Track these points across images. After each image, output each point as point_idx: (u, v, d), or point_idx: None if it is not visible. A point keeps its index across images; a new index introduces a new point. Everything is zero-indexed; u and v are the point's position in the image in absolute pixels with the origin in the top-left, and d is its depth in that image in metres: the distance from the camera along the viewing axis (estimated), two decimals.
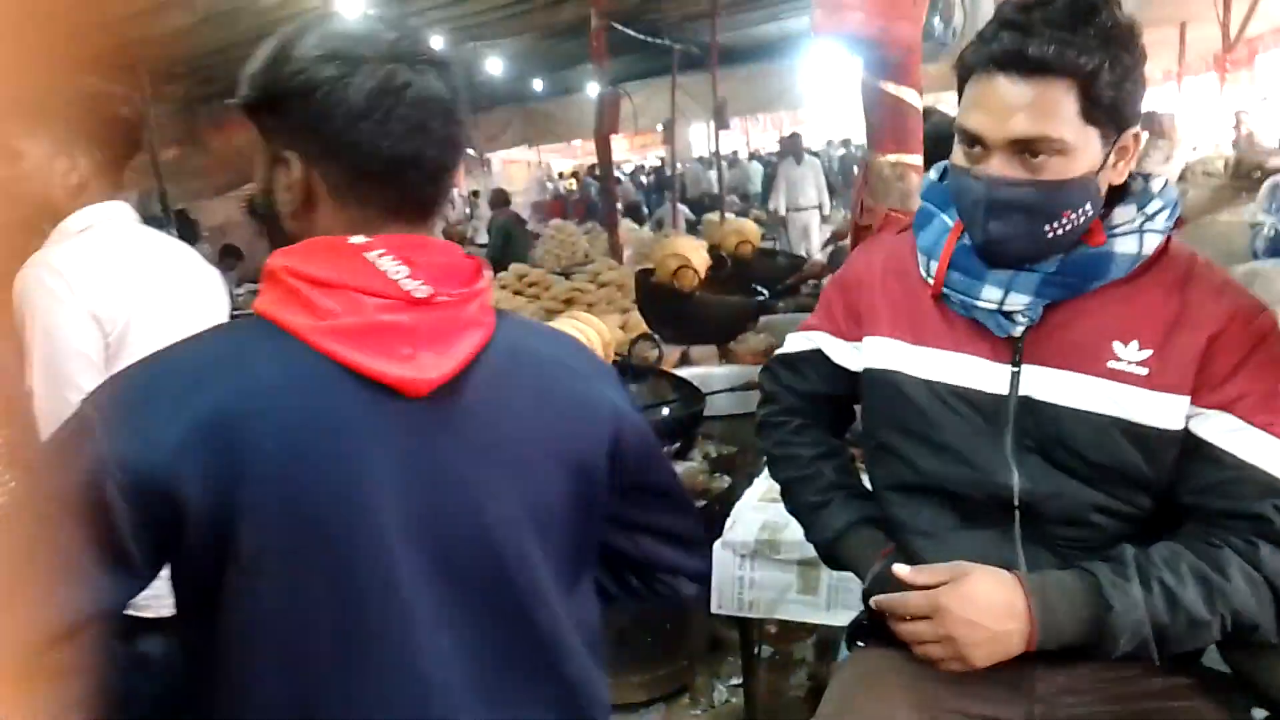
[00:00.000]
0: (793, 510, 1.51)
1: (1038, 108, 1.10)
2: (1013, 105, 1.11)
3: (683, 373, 3.55)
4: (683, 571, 1.26)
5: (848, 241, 4.71)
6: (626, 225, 9.93)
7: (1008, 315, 1.21)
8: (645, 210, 17.93)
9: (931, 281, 1.27)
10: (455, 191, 19.46)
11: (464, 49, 11.16)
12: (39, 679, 0.68)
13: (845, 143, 20.21)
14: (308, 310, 0.87)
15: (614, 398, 1.07)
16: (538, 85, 15.10)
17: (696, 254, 4.04)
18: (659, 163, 20.96)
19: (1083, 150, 1.13)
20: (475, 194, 18.18)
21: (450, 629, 0.93)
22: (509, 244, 10.56)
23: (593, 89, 11.20)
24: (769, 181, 12.52)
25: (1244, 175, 6.71)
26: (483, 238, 13.27)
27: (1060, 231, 1.15)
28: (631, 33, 11.24)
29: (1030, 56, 1.09)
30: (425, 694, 0.91)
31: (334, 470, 0.87)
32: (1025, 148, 1.13)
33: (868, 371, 1.36)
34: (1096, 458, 1.18)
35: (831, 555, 1.44)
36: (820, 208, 10.44)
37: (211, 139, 11.51)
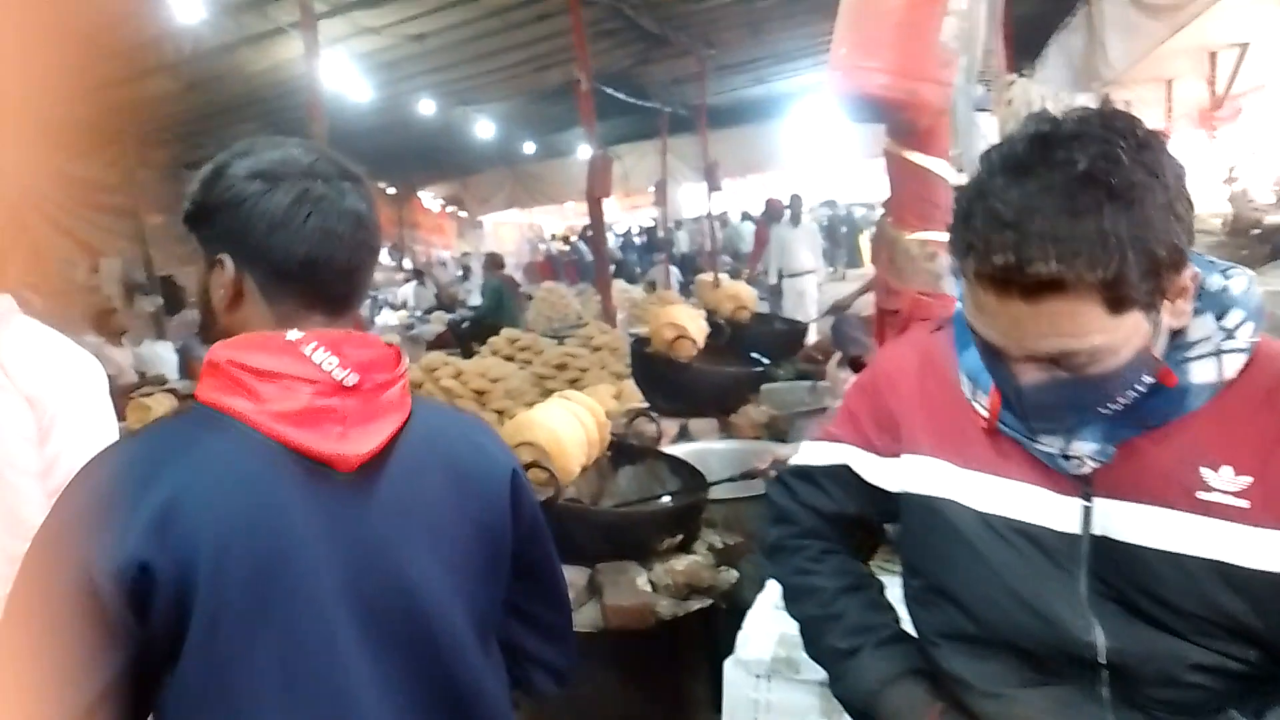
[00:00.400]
0: (814, 655, 1.28)
1: (1054, 327, 0.90)
2: (1025, 328, 0.91)
3: (681, 449, 3.35)
4: (542, 663, 1.32)
5: (867, 311, 4.49)
6: (618, 286, 9.78)
7: (1069, 457, 1.01)
8: (637, 270, 17.89)
9: (981, 409, 1.07)
10: (448, 254, 19.45)
11: (454, 113, 11.17)
12: None
13: (830, 204, 20.34)
14: (250, 396, 0.98)
15: (514, 468, 1.20)
16: (529, 148, 15.14)
17: (694, 323, 3.86)
18: (651, 223, 20.99)
19: (1125, 339, 0.92)
20: (467, 254, 18.14)
21: (382, 682, 1.03)
22: (502, 306, 10.43)
23: (583, 151, 11.20)
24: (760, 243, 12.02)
25: (1241, 232, 6.60)
26: (475, 299, 13.17)
27: (1117, 408, 0.97)
28: (620, 95, 11.29)
29: (1030, 277, 0.87)
30: None
31: (278, 539, 0.98)
32: (1053, 359, 0.93)
33: (909, 497, 1.16)
34: (1192, 608, 0.96)
35: (864, 713, 1.20)
36: (815, 272, 9.84)
37: None
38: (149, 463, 0.96)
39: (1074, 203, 0.86)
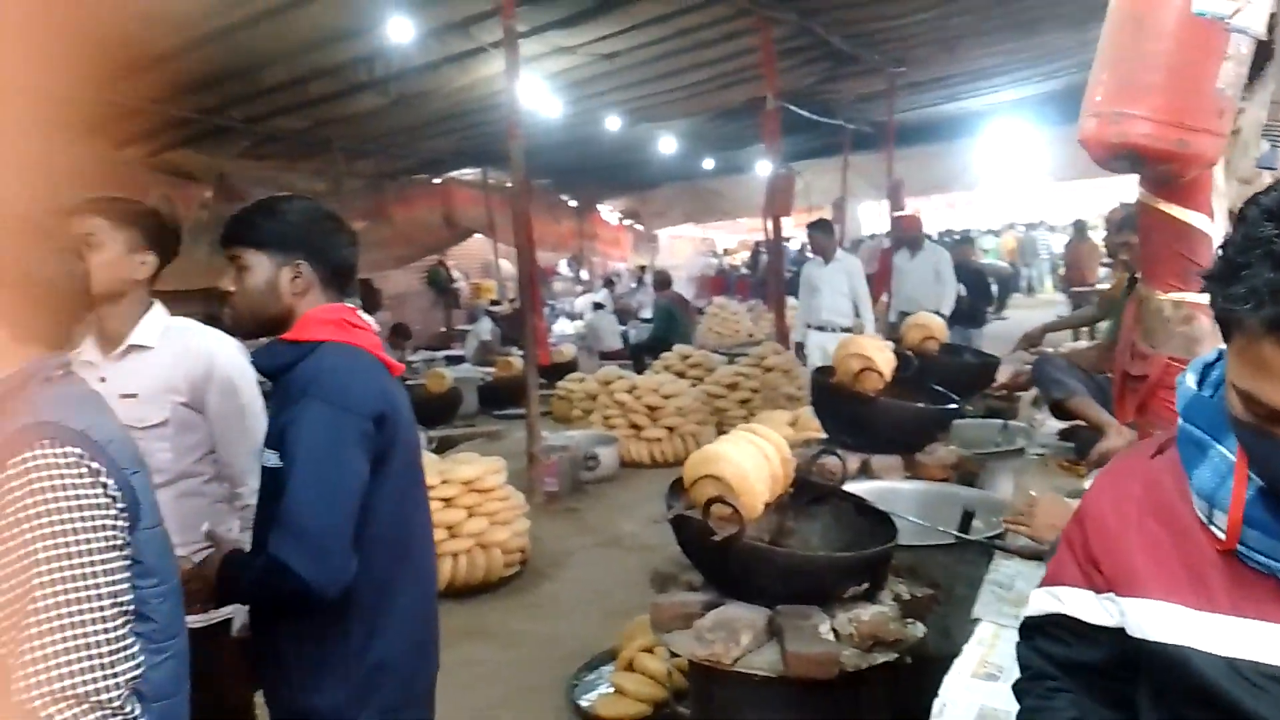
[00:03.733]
0: None
1: None
2: None
3: (864, 488, 3.23)
4: None
5: (1065, 348, 4.14)
6: (790, 304, 9.59)
7: None
8: None
9: (1219, 534, 0.97)
10: (623, 265, 19.80)
11: (637, 129, 11.34)
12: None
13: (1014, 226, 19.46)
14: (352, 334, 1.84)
15: None
16: (708, 164, 15.21)
17: (881, 354, 3.71)
18: None
19: None
20: (643, 268, 18.38)
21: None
22: (672, 324, 10.51)
23: (762, 168, 11.15)
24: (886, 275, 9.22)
25: None
26: (647, 312, 13.34)
27: None
28: (805, 113, 11.15)
29: None
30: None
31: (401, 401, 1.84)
32: None
33: (1143, 644, 1.05)
34: None
35: None
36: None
37: (396, 213, 12.10)
38: (361, 361, 1.78)
39: None
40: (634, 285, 17.01)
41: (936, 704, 1.79)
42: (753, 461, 2.48)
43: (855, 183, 14.17)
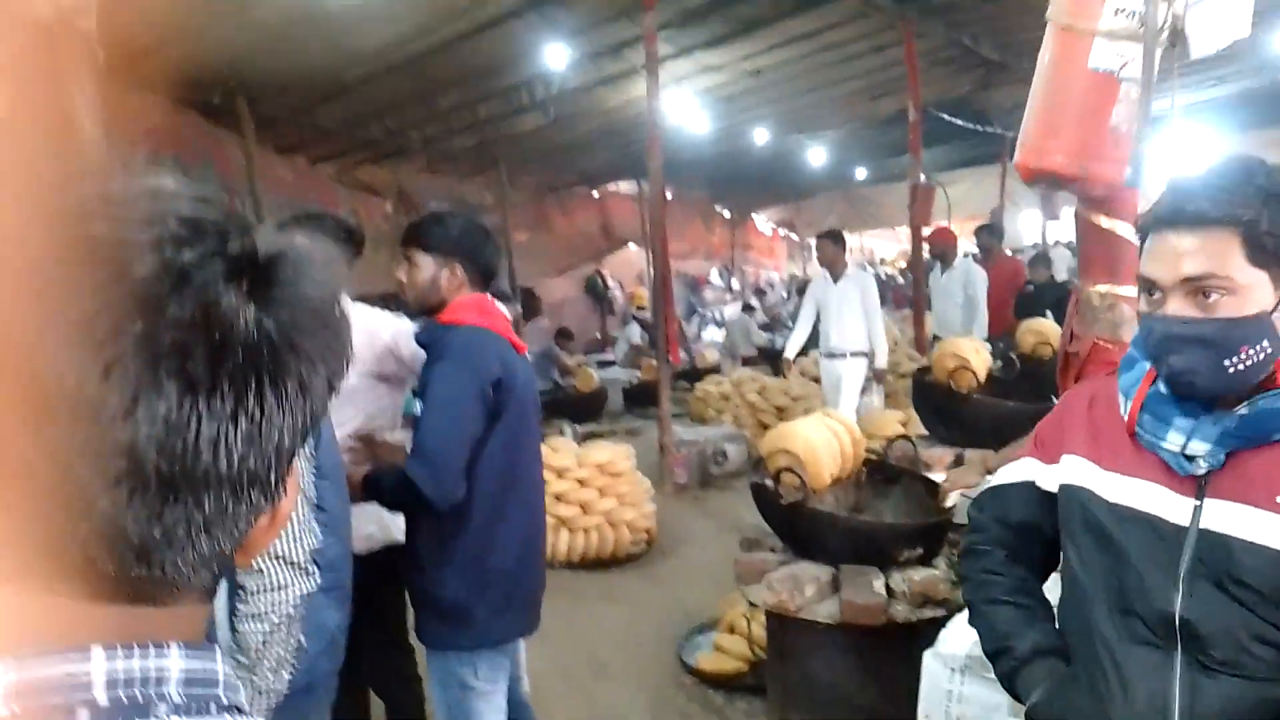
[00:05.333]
0: (978, 628, 1.57)
1: (1203, 252, 1.18)
2: (1179, 252, 1.20)
3: (940, 476, 3.50)
4: None
5: None
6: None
7: (1190, 458, 1.26)
8: None
9: (1127, 419, 1.34)
10: (777, 275, 20.05)
11: (787, 140, 11.65)
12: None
13: None
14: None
15: None
16: (860, 173, 15.27)
17: (976, 356, 3.95)
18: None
19: (1253, 290, 1.19)
20: (795, 277, 18.58)
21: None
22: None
23: (914, 176, 11.22)
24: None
25: None
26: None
27: (1241, 367, 1.20)
28: (957, 121, 11.13)
29: (1189, 211, 1.20)
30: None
31: (520, 372, 2.32)
32: (1197, 289, 1.20)
33: (1063, 487, 1.43)
34: (1263, 588, 1.20)
35: (1012, 690, 1.49)
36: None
37: (557, 224, 12.87)
38: (488, 338, 2.24)
39: (1227, 178, 1.20)
40: (784, 295, 17.22)
41: (943, 632, 2.10)
42: (822, 439, 2.84)
43: (1016, 190, 13.88)
